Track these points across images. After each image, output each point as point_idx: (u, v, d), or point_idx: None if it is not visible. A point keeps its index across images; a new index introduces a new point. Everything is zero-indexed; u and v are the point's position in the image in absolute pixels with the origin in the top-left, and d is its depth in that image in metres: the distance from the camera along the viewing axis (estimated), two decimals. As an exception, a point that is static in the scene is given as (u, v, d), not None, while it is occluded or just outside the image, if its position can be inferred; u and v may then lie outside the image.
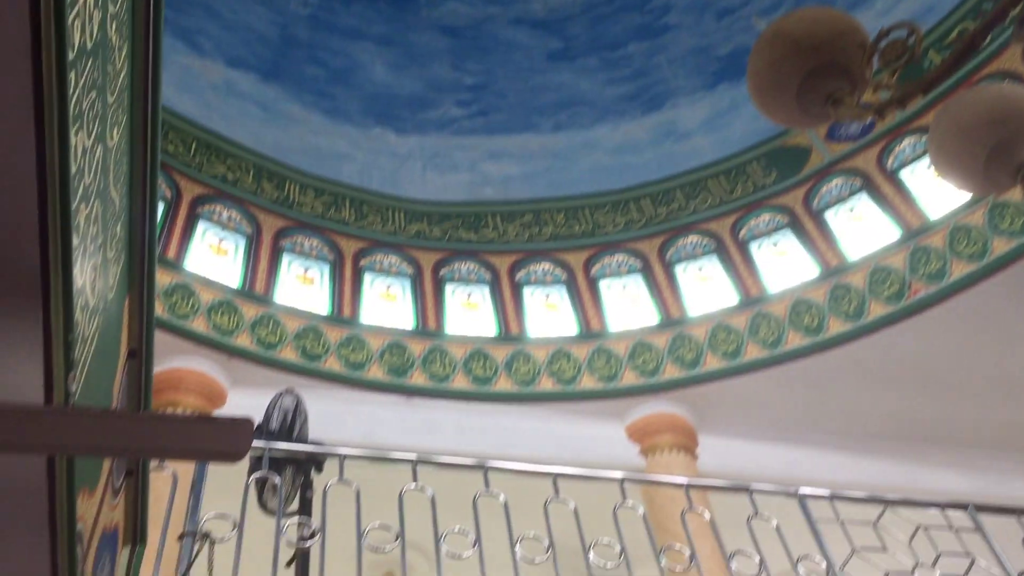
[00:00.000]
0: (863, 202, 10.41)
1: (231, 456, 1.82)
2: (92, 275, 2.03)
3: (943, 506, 5.09)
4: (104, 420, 1.65)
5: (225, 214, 10.57)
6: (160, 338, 2.99)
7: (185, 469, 4.27)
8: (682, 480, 5.49)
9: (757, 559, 4.52)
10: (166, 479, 3.99)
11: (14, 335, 1.71)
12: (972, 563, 4.75)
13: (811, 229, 10.55)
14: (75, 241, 1.77)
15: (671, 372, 9.76)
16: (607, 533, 4.49)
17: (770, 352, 9.53)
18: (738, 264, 10.71)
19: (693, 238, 11.27)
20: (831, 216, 10.60)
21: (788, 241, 10.70)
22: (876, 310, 9.26)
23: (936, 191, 9.74)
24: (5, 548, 2.01)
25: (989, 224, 8.91)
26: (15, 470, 1.88)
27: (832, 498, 4.98)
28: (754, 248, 10.85)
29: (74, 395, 1.82)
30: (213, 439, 1.73)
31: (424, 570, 6.89)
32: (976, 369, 9.24)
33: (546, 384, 9.79)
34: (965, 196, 9.11)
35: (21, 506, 1.95)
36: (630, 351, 9.98)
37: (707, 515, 4.93)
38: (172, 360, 8.56)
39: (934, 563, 4.71)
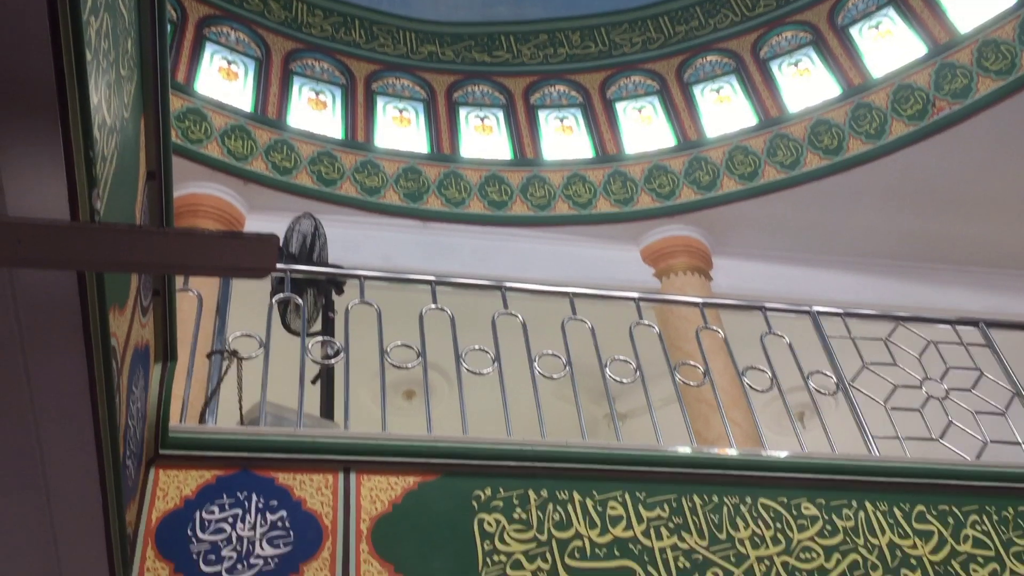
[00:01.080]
0: (889, 17, 10.05)
1: (258, 272, 1.85)
2: (107, 92, 2.00)
3: (954, 322, 5.17)
4: (132, 236, 1.67)
5: (233, 36, 10.31)
6: (175, 163, 2.98)
7: (209, 291, 4.36)
8: (697, 299, 5.58)
9: (769, 374, 4.64)
10: (191, 301, 4.08)
11: (35, 153, 1.71)
12: (980, 376, 4.87)
13: (835, 47, 10.24)
14: (88, 55, 1.74)
15: (687, 195, 9.73)
16: (623, 352, 4.60)
17: (788, 174, 9.45)
18: (758, 84, 10.47)
19: (712, 58, 10.97)
20: (855, 33, 10.26)
21: (810, 60, 10.40)
22: (898, 129, 9.11)
23: (966, 5, 9.37)
24: (45, 363, 2.08)
25: (1019, 38, 8.61)
26: (47, 287, 1.92)
27: (844, 315, 5.05)
28: (775, 68, 10.57)
29: (99, 213, 1.84)
30: (239, 255, 1.75)
31: (444, 390, 7.12)
32: (996, 188, 9.16)
33: (562, 208, 9.79)
34: (995, 9, 8.77)
35: (56, 322, 2.00)
36: (646, 174, 9.92)
37: (721, 333, 5.03)
38: (188, 186, 8.58)
39: (942, 377, 4.82)
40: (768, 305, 5.04)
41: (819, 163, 9.37)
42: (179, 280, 3.81)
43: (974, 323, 5.12)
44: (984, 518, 4.12)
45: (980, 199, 9.25)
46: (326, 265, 5.43)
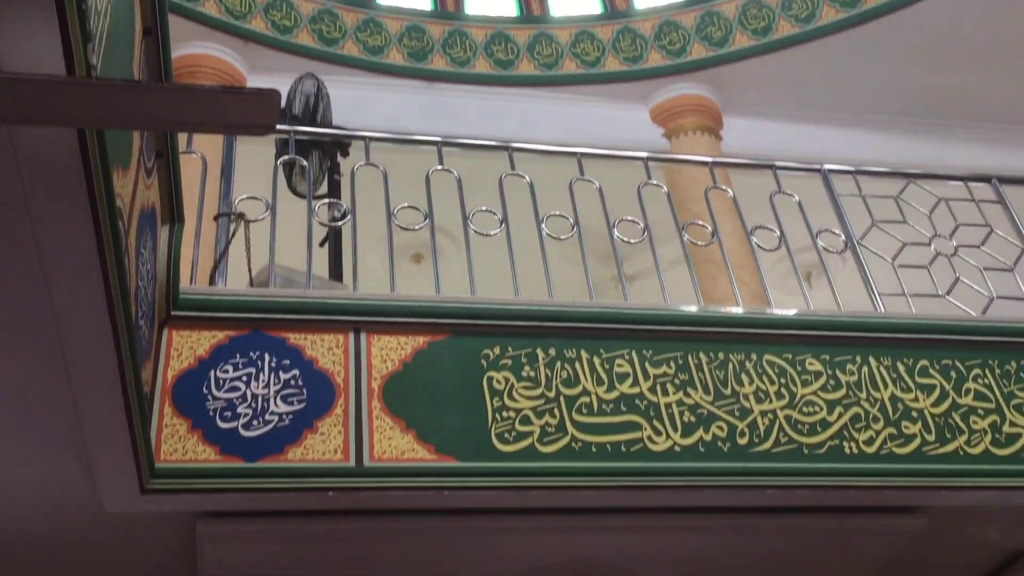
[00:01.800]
0: None
1: (259, 129, 1.82)
2: (96, -59, 1.92)
3: (966, 179, 5.11)
4: (130, 91, 1.63)
5: None
6: (171, 22, 2.89)
7: (213, 154, 4.32)
8: (706, 158, 5.51)
9: (777, 233, 4.63)
10: (196, 164, 4.05)
11: (26, 5, 1.65)
12: (990, 233, 4.85)
13: None
14: (73, -100, 1.66)
15: (698, 52, 9.48)
16: (631, 214, 4.58)
17: (802, 28, 9.17)
18: (774, -68, 10.04)
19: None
20: None
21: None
22: (917, -21, 8.79)
23: None
24: (51, 224, 2.08)
25: None
26: (49, 146, 1.89)
27: (855, 173, 5.00)
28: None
29: (95, 68, 1.79)
30: (240, 110, 1.72)
31: (452, 253, 7.13)
32: (1014, 40, 8.90)
33: (569, 66, 9.57)
34: None
35: (60, 183, 1.99)
36: (656, 31, 9.64)
37: (730, 192, 4.98)
38: (187, 47, 8.38)
39: (952, 234, 4.81)
40: (778, 163, 4.98)
41: (835, 16, 9.08)
42: (182, 142, 3.76)
43: (987, 179, 5.06)
44: (986, 372, 4.18)
45: (998, 52, 9.00)
46: (330, 127, 5.36)
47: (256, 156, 4.84)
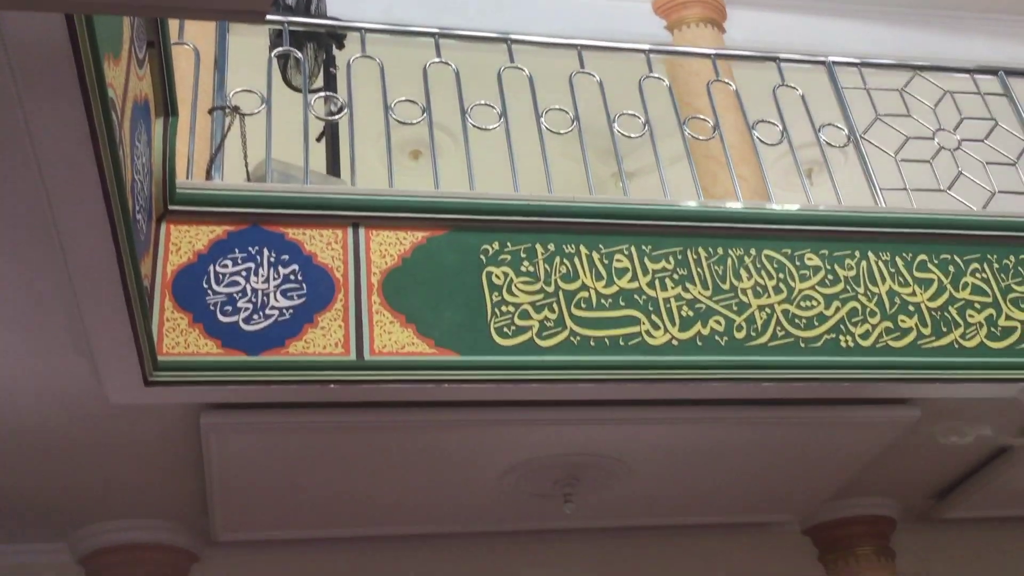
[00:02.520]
0: None
1: (252, 15, 1.77)
2: None
3: (973, 71, 5.02)
4: (116, -27, 1.58)
5: None
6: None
7: (206, 46, 4.21)
8: (709, 51, 5.40)
9: (780, 127, 4.57)
10: (188, 56, 3.96)
11: None
12: (994, 127, 4.79)
13: None
14: None
15: (702, -59, 9.18)
16: (632, 108, 4.51)
17: (809, -85, 8.87)
18: None
19: None
20: None
21: None
22: None
23: None
24: (43, 115, 2.04)
25: None
26: (37, 35, 1.84)
27: (860, 65, 4.91)
28: None
29: (80, -50, 1.73)
30: (231, -6, 1.67)
31: (451, 149, 7.04)
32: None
33: (570, -44, 9.28)
34: None
35: (50, 72, 1.95)
36: (659, -81, 9.31)
37: (732, 86, 4.90)
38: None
39: (956, 127, 4.74)
40: (782, 56, 4.88)
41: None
42: (174, 33, 3.68)
43: (993, 72, 4.98)
44: (984, 266, 4.18)
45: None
46: (325, 18, 5.24)
47: (250, 49, 4.73)
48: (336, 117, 4.10)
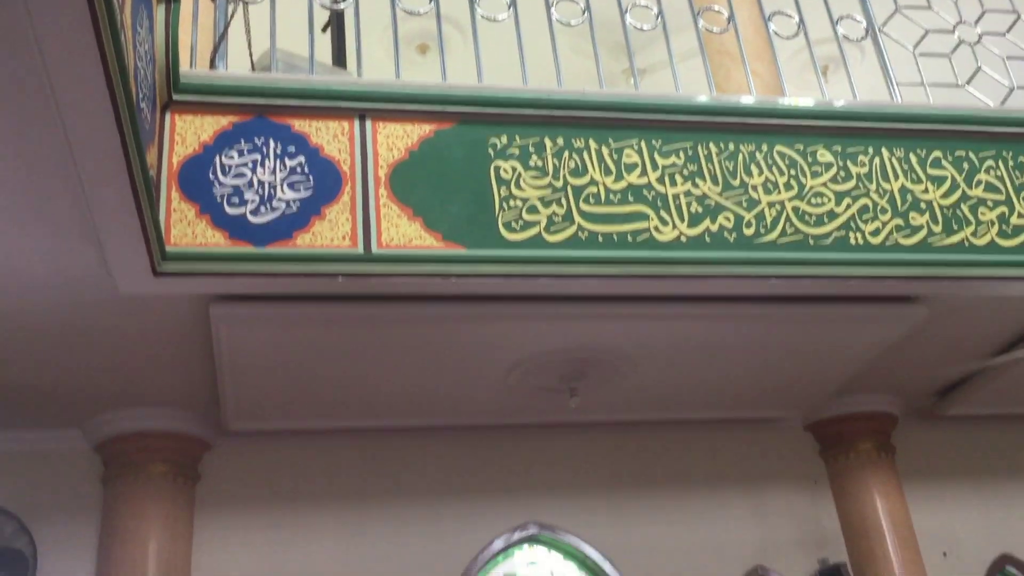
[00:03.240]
0: None
1: None
2: None
3: (998, -36, 4.87)
4: None
5: None
6: None
7: (207, -69, 4.09)
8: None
9: (796, 19, 4.45)
10: (189, -59, 3.85)
11: None
12: (1016, 20, 4.66)
13: None
14: None
15: None
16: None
17: None
18: None
19: None
20: None
21: None
22: None
23: None
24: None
25: None
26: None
27: (883, -47, 4.76)
28: None
29: None
30: None
31: (459, 43, 6.90)
32: None
33: None
34: None
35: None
36: None
37: (749, -25, 4.76)
38: None
39: (977, 20, 4.62)
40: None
41: None
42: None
43: (1017, -38, 4.83)
44: (999, 163, 4.13)
45: None
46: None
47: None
48: (341, 6, 4.00)
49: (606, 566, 5.17)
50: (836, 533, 5.51)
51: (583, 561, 5.26)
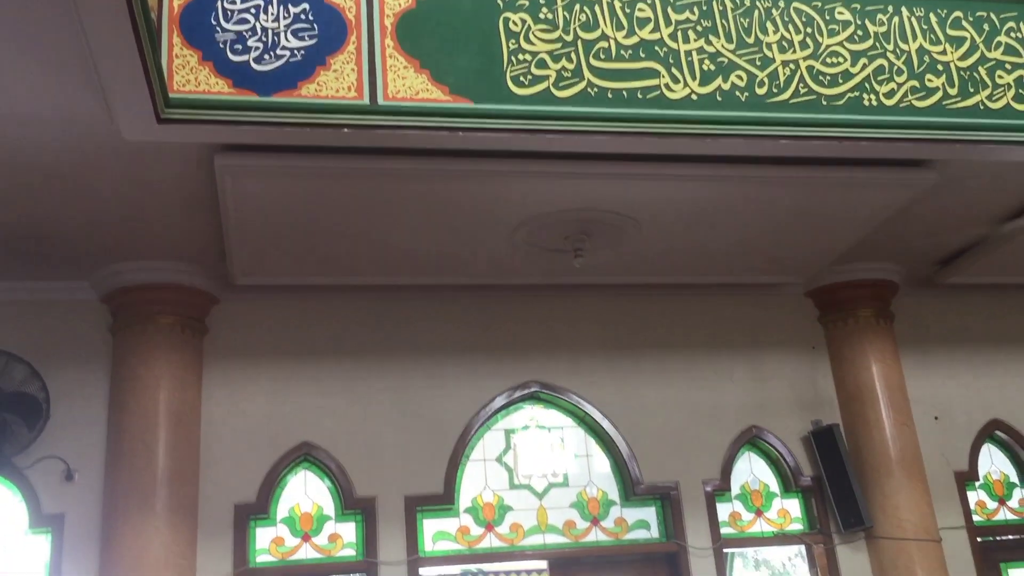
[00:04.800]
0: None
1: None
2: None
3: None
4: None
5: None
6: None
7: None
8: None
9: None
10: None
11: None
12: None
13: None
14: None
15: None
16: None
17: None
18: None
19: None
20: None
21: None
22: None
23: None
24: None
25: None
26: None
27: None
28: None
29: None
30: None
31: None
32: None
33: None
34: None
35: None
36: None
37: None
38: None
39: None
40: None
41: None
42: None
43: None
44: (1021, 25, 4.03)
45: None
46: None
47: None
48: None
49: (605, 424, 5.30)
50: (831, 397, 5.63)
51: (583, 419, 5.39)
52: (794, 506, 5.50)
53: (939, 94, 3.85)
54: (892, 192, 4.29)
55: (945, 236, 5.11)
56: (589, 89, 3.58)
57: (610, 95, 3.59)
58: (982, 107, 3.87)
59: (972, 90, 3.88)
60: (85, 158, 3.58)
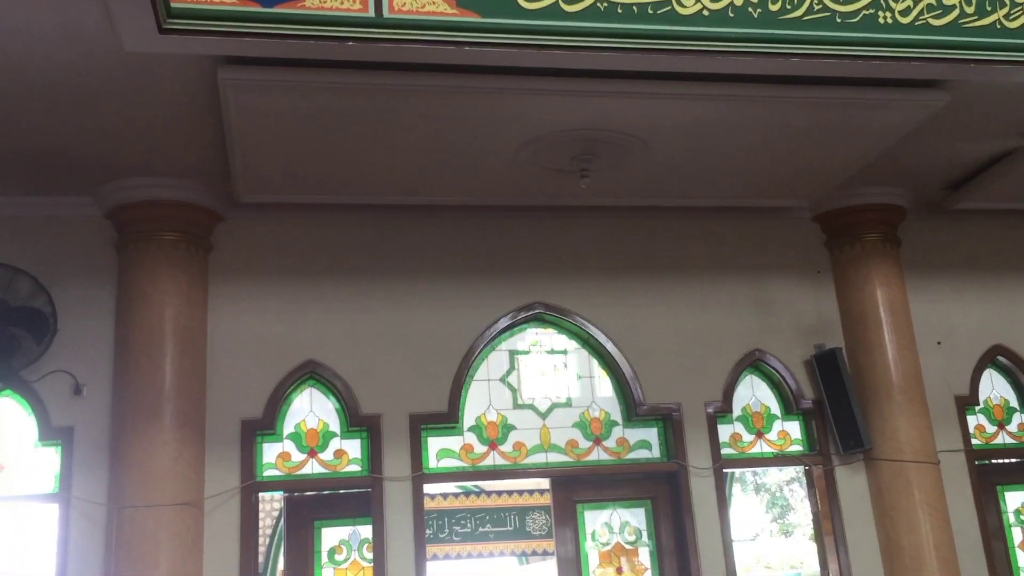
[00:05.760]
0: None
1: None
2: None
3: None
4: None
5: None
6: None
7: None
8: None
9: None
10: None
11: None
12: None
13: None
14: None
15: None
16: None
17: None
18: None
19: None
20: None
21: None
22: None
23: None
24: None
25: None
26: None
27: None
28: None
29: None
30: None
31: None
32: None
33: None
34: None
35: None
36: None
37: None
38: None
39: None
40: None
41: None
42: None
43: None
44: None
45: None
46: None
47: None
48: None
49: (608, 345, 5.33)
50: (835, 322, 5.64)
51: (586, 341, 5.42)
52: (794, 428, 5.55)
53: (956, 12, 3.75)
54: (903, 113, 4.23)
55: (955, 160, 5.06)
56: (598, 3, 3.50)
57: (619, 10, 3.51)
58: (999, 26, 3.77)
59: (990, 8, 3.78)
60: (89, 72, 3.53)
